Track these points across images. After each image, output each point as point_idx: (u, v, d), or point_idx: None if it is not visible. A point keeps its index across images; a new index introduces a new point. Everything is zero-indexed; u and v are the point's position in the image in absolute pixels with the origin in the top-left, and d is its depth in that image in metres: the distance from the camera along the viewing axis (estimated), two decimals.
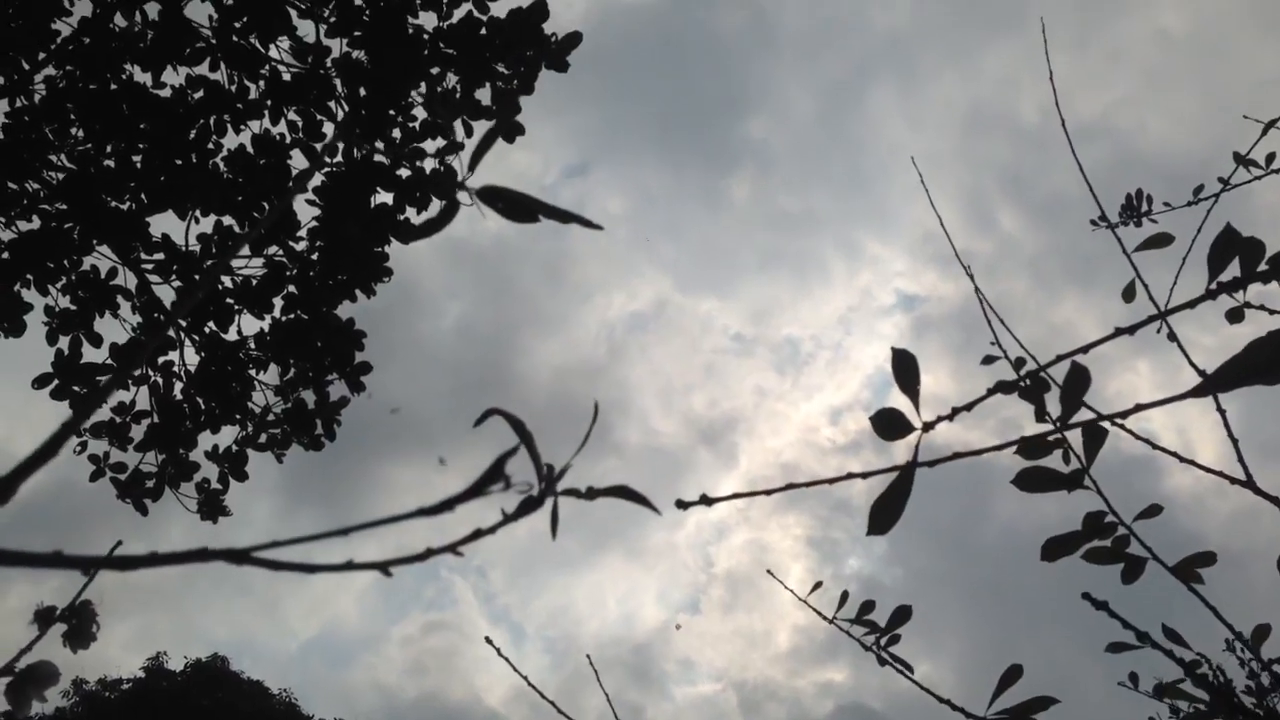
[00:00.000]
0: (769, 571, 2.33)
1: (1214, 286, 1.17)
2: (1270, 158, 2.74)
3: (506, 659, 2.40)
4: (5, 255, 6.41)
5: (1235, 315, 1.93)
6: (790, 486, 1.17)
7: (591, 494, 0.58)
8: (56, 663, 1.16)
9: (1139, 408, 1.11)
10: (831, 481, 1.16)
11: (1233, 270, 1.23)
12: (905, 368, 1.13)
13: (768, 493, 1.18)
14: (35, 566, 0.42)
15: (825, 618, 2.10)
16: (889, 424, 1.12)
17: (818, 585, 2.17)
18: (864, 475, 1.15)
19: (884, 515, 1.11)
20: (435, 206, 6.78)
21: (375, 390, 7.21)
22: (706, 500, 1.13)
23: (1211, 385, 1.03)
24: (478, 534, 0.54)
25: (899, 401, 1.18)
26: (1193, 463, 1.74)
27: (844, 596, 2.10)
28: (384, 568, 0.51)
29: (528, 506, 0.55)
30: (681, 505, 1.10)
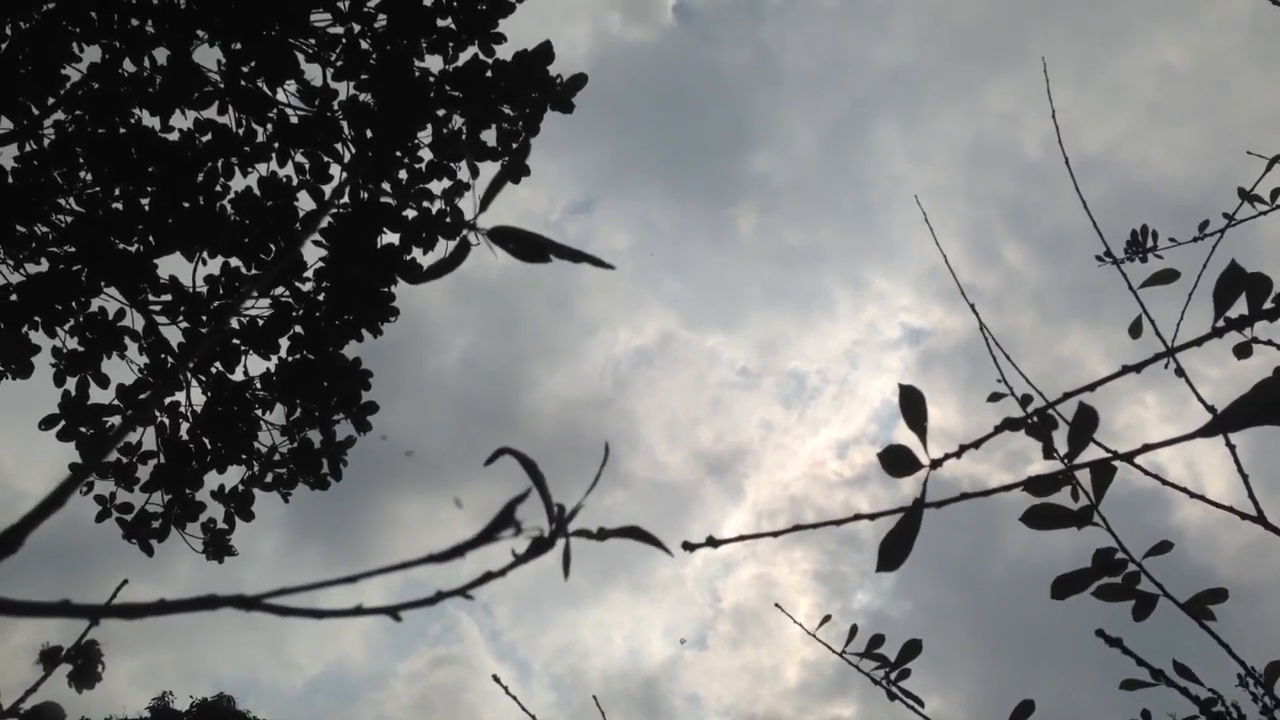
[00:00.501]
0: (777, 605, 2.32)
1: (1221, 324, 1.17)
2: (1275, 193, 2.75)
3: (515, 698, 2.39)
4: (14, 297, 6.44)
5: (1243, 350, 1.92)
6: (798, 528, 1.17)
7: (603, 535, 0.58)
8: (61, 702, 1.16)
9: (1147, 448, 1.11)
10: (840, 523, 1.16)
11: (1239, 307, 1.23)
12: (913, 404, 1.13)
13: (775, 534, 1.18)
14: (43, 616, 0.42)
15: (835, 652, 2.09)
16: (897, 461, 1.12)
17: (826, 619, 2.16)
18: (871, 516, 1.15)
19: (893, 553, 1.11)
20: (442, 246, 6.81)
21: (381, 424, 7.21)
22: (713, 542, 1.13)
23: (1221, 425, 1.03)
24: (488, 576, 0.53)
25: (906, 436, 1.17)
26: (1202, 498, 1.73)
27: (853, 631, 2.09)
28: (394, 612, 0.51)
29: (538, 548, 0.55)
30: (689, 547, 1.10)
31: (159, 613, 0.44)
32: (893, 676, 2.02)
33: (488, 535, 0.52)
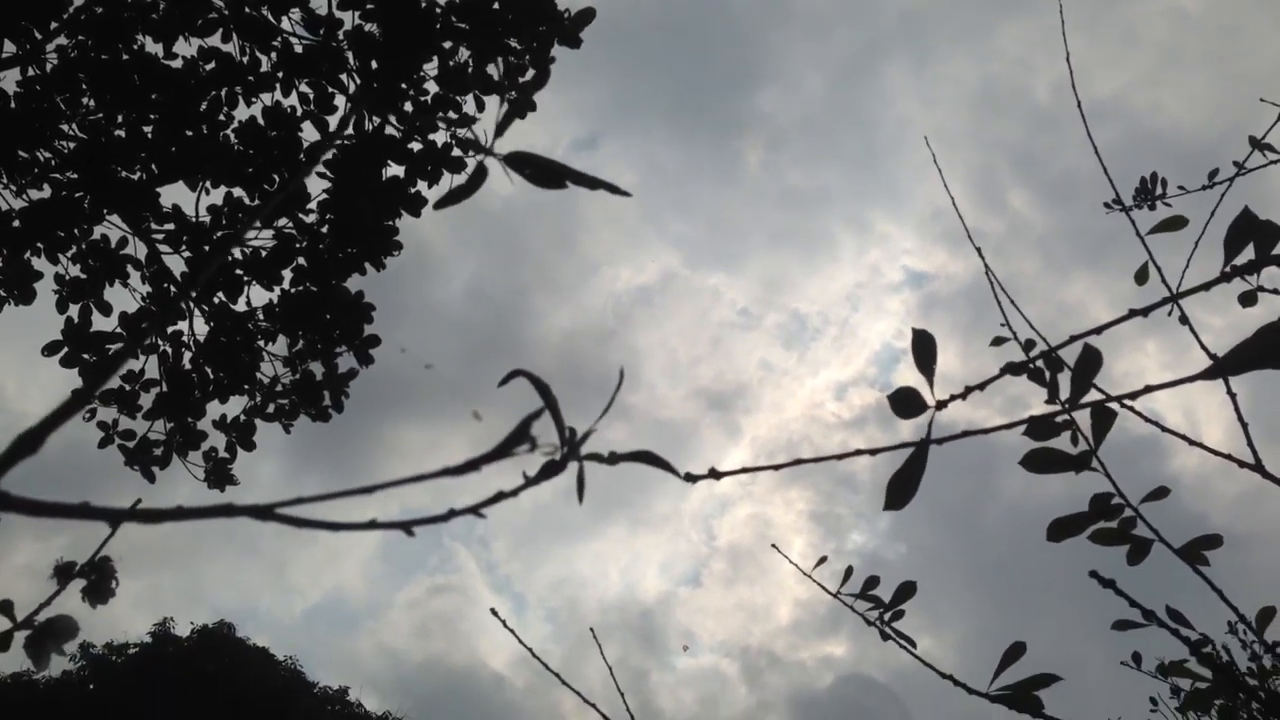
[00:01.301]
0: (774, 546, 2.34)
1: (1228, 270, 1.17)
2: None
3: (512, 631, 2.41)
4: (16, 223, 6.42)
5: (1248, 298, 1.92)
6: (799, 462, 1.18)
7: (614, 459, 0.58)
8: (79, 626, 1.18)
9: (1149, 389, 1.12)
10: (840, 457, 1.16)
11: (1247, 254, 1.23)
12: (923, 348, 1.13)
13: (776, 467, 1.19)
14: (63, 517, 0.42)
15: (830, 592, 2.11)
16: (905, 403, 1.13)
17: (822, 560, 2.18)
18: (872, 452, 1.16)
19: (900, 491, 1.12)
20: (448, 180, 6.77)
21: (384, 354, 7.23)
22: (715, 474, 1.14)
23: (1222, 369, 1.03)
24: (500, 496, 0.54)
25: (906, 378, 1.18)
26: (1201, 445, 1.74)
27: (848, 572, 2.11)
28: (407, 527, 0.52)
29: (550, 470, 0.55)
30: (691, 478, 1.10)
31: (177, 518, 0.45)
32: (886, 617, 2.04)
33: (503, 450, 0.52)
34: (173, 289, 6.90)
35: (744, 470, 1.17)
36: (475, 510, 0.53)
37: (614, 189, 0.67)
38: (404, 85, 6.54)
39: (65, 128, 6.47)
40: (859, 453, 1.19)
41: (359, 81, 6.59)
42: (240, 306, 7.06)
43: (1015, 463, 1.55)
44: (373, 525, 0.50)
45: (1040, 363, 1.61)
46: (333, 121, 6.61)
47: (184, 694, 28.36)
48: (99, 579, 1.20)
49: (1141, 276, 2.19)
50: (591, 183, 0.66)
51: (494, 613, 2.47)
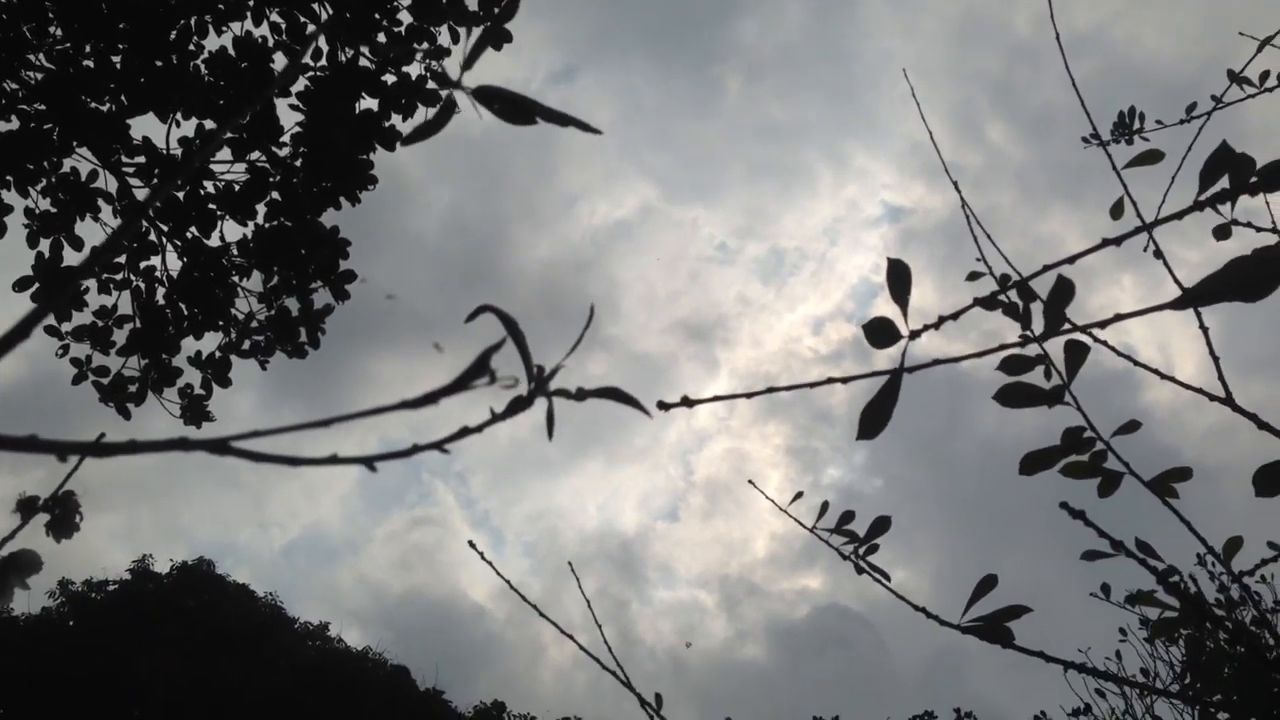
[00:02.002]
0: (750, 482, 2.35)
1: (1200, 200, 1.17)
2: (1264, 75, 2.72)
3: (490, 563, 2.42)
4: None
5: (1222, 232, 1.93)
6: (772, 390, 1.18)
7: (581, 395, 0.58)
8: (43, 561, 1.17)
9: (1119, 317, 1.12)
10: (813, 385, 1.16)
11: (1222, 185, 1.23)
12: (898, 277, 1.13)
13: (749, 395, 1.19)
14: (11, 450, 0.42)
15: (806, 527, 2.12)
16: (880, 332, 1.13)
17: (799, 495, 2.19)
18: (845, 380, 1.16)
19: (873, 421, 1.12)
20: (422, 113, 6.69)
21: (360, 287, 7.17)
22: (688, 402, 1.14)
23: (1190, 299, 1.03)
24: (465, 431, 0.53)
25: (884, 312, 1.18)
26: (1173, 379, 1.75)
27: (824, 506, 2.12)
28: (369, 462, 0.51)
29: (517, 406, 0.54)
30: (664, 406, 1.10)
31: (130, 452, 0.44)
32: (861, 551, 2.06)
33: (461, 383, 0.51)
34: (145, 223, 6.82)
35: (717, 398, 1.17)
36: (439, 446, 0.52)
37: (584, 126, 0.66)
38: (377, 15, 6.43)
39: (32, 58, 6.34)
40: (831, 380, 1.19)
41: (331, 11, 6.48)
42: (214, 241, 6.99)
43: (989, 397, 1.56)
44: (333, 460, 0.49)
45: (1014, 295, 1.61)
46: (305, 54, 6.50)
47: (164, 631, 28.51)
48: (63, 514, 1.19)
49: (1117, 211, 2.19)
50: (561, 119, 0.65)
51: (472, 545, 2.48)
